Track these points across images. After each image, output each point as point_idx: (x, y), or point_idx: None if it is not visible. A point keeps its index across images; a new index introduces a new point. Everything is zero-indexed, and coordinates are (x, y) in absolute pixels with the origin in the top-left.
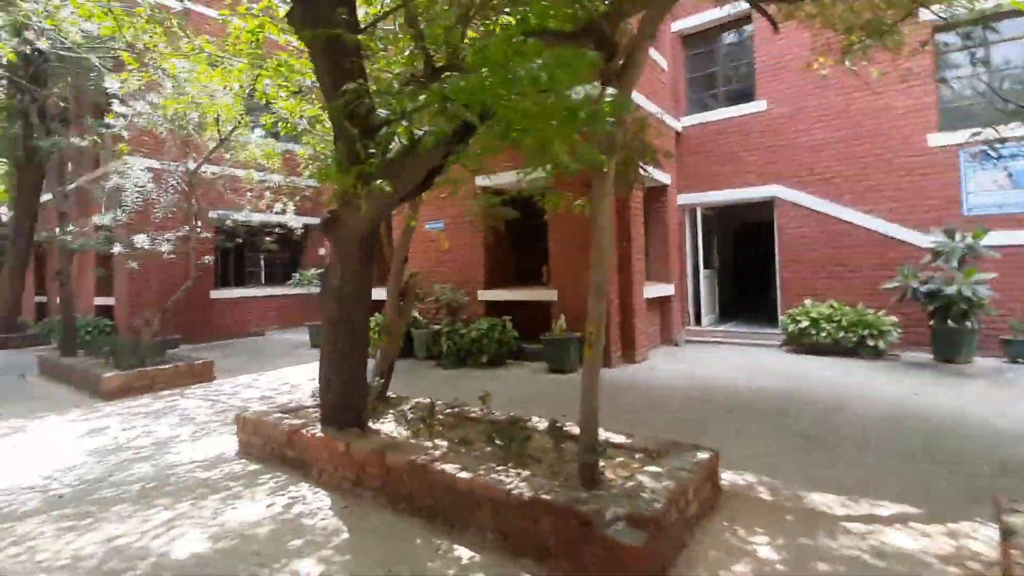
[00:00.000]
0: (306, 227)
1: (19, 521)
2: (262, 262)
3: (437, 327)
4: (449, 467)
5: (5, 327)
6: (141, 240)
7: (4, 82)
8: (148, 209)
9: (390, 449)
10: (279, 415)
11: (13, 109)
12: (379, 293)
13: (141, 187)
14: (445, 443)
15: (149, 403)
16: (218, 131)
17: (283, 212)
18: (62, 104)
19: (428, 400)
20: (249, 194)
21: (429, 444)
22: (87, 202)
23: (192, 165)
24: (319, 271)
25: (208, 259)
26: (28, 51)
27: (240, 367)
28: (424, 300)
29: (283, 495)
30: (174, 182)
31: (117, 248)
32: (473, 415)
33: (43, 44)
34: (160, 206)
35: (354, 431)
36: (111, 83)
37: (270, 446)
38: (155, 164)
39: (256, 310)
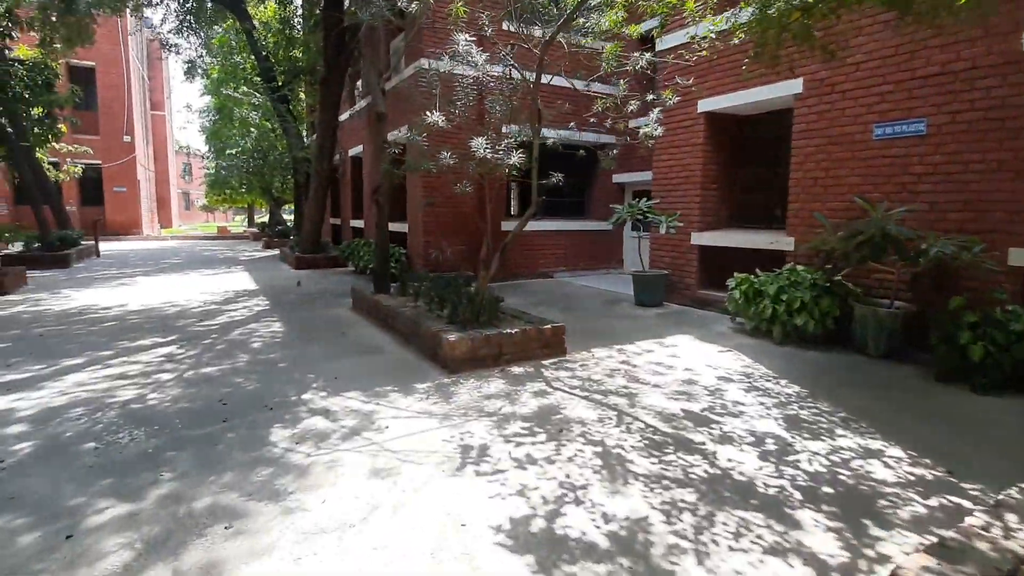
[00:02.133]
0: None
1: None
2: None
3: (900, 304)
4: None
5: (312, 247)
6: (480, 146)
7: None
8: (478, 109)
9: None
10: None
11: (317, 20)
12: None
13: (476, 76)
14: None
15: (511, 392)
16: None
17: (602, 127)
18: None
19: None
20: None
21: None
22: (399, 106)
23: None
24: (646, 203)
25: (558, 176)
26: None
27: (570, 328)
28: (913, 257)
29: None
30: (506, 71)
31: (446, 158)
32: None
33: None
34: (492, 101)
35: None
36: None
37: None
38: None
39: (544, 247)
